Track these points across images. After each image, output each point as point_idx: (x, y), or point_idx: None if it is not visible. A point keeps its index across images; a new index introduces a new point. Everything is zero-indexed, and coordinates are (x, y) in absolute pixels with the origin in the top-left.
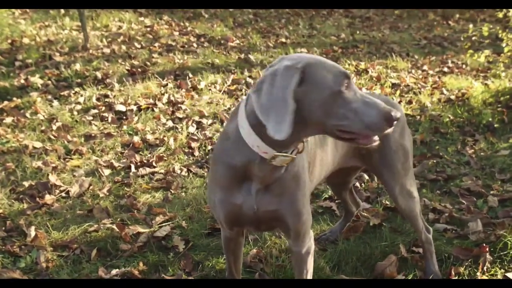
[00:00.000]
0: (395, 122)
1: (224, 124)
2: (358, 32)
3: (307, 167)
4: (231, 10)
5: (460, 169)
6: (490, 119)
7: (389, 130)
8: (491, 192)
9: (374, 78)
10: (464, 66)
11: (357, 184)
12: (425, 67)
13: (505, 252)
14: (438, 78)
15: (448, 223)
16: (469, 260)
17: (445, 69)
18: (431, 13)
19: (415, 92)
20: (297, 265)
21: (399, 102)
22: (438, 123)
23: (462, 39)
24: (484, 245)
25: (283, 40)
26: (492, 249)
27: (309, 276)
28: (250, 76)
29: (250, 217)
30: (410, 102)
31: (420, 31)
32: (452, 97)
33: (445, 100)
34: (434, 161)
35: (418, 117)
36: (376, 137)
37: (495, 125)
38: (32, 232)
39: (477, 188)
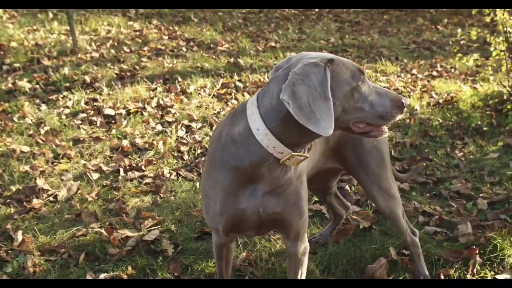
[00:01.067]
0: (405, 109)
1: (220, 129)
2: (347, 36)
3: (306, 165)
4: (220, 14)
5: (449, 172)
6: (479, 122)
7: (401, 116)
8: (481, 194)
9: None
10: (453, 70)
11: (347, 187)
12: (414, 71)
13: (494, 254)
14: (427, 82)
15: (438, 225)
16: (459, 263)
17: (434, 73)
18: (420, 17)
19: (404, 96)
20: (293, 265)
21: None
22: (428, 127)
23: (450, 43)
24: (474, 247)
25: (273, 44)
26: (482, 251)
27: (303, 276)
28: (239, 80)
29: (253, 221)
30: None
31: (409, 36)
32: (441, 100)
33: (434, 104)
34: (424, 164)
35: (408, 120)
36: (386, 129)
37: (484, 128)
38: (19, 236)
39: (466, 191)
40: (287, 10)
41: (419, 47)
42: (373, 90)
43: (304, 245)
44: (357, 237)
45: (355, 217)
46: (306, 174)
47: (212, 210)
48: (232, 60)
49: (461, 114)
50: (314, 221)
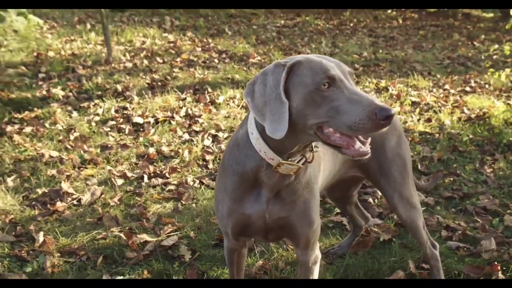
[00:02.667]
0: (383, 122)
1: (233, 132)
2: (381, 51)
3: (317, 176)
4: (254, 27)
5: (477, 187)
6: (511, 139)
7: (377, 130)
8: (508, 211)
9: (394, 96)
10: (487, 85)
11: (370, 199)
12: (446, 86)
13: None
14: (460, 97)
15: (461, 241)
16: (480, 279)
17: (467, 89)
18: (456, 33)
19: (435, 111)
20: (303, 274)
21: (418, 120)
22: (457, 142)
23: (483, 57)
24: (496, 263)
25: None
26: (504, 268)
27: None
28: None
29: (259, 226)
30: (429, 120)
31: (444, 51)
32: (473, 116)
33: (465, 119)
34: (451, 179)
35: (437, 135)
36: (364, 148)
37: None
38: (41, 237)
39: (493, 207)
40: (321, 24)
41: (454, 63)
42: (345, 96)
43: (315, 255)
44: (376, 250)
45: (376, 229)
46: (325, 184)
47: (221, 213)
48: None
49: (492, 129)
50: (334, 232)
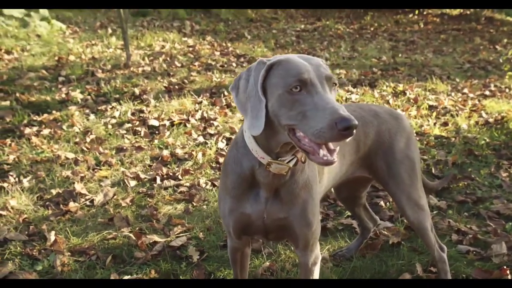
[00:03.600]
0: (343, 132)
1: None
2: (400, 55)
3: (317, 176)
4: (274, 31)
5: (491, 191)
6: None
7: (342, 140)
8: None
9: (411, 100)
10: (507, 90)
11: (382, 203)
12: (465, 90)
13: None
14: (478, 101)
15: (471, 245)
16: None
17: (487, 93)
18: (478, 37)
19: (452, 115)
20: (303, 275)
21: (434, 124)
22: (473, 146)
23: (501, 61)
24: (505, 267)
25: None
26: None
27: None
28: None
29: (259, 226)
30: (445, 124)
31: (464, 55)
32: (491, 120)
33: (482, 123)
34: (465, 183)
35: (453, 139)
36: (329, 158)
37: None
38: (52, 236)
39: (507, 211)
40: (342, 28)
41: (474, 67)
42: (314, 101)
43: (315, 255)
44: (385, 253)
45: (386, 232)
46: (331, 185)
47: (222, 212)
48: None
49: (510, 134)
50: (342, 235)
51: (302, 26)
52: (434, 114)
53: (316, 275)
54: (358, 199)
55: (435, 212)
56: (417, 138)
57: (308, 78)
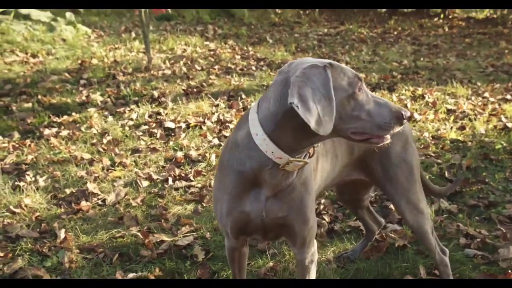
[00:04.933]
0: (405, 121)
1: (231, 133)
2: (422, 59)
3: (312, 172)
4: (296, 35)
5: (505, 196)
6: None
7: (399, 128)
8: None
9: (429, 104)
10: None
11: (391, 206)
12: (486, 94)
13: None
14: (499, 105)
15: (479, 249)
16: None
17: (508, 97)
18: (504, 41)
19: (470, 119)
20: (300, 273)
21: (451, 128)
22: (489, 150)
23: None
24: (510, 271)
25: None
26: None
27: None
28: None
29: (258, 224)
30: (463, 127)
31: (488, 59)
32: (510, 124)
33: (501, 128)
34: (479, 187)
35: (469, 143)
36: (388, 136)
37: None
38: (62, 234)
39: None
40: (365, 32)
41: (497, 71)
42: (371, 99)
43: (312, 253)
44: (390, 255)
45: (393, 235)
46: (323, 185)
47: (220, 212)
48: None
49: None
50: (349, 237)
51: (325, 30)
52: (452, 118)
53: (313, 272)
54: (360, 201)
55: (445, 215)
56: (433, 142)
57: (361, 76)
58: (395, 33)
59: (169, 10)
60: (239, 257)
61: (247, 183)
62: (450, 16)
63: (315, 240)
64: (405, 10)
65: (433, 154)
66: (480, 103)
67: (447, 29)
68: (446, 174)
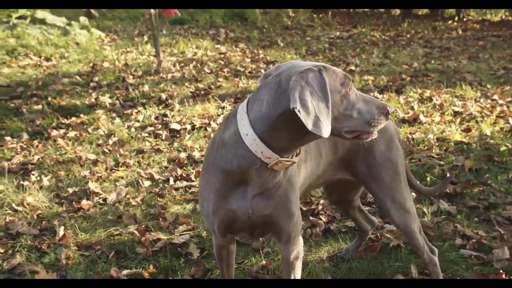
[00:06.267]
0: (390, 116)
1: (217, 133)
2: (433, 61)
3: (297, 168)
4: (308, 39)
5: (506, 198)
6: None
7: (385, 123)
8: None
9: (437, 106)
10: None
11: None
12: (495, 97)
13: None
14: (507, 107)
15: (475, 249)
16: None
17: None
18: None
19: (477, 121)
20: (286, 269)
21: (456, 129)
22: (494, 152)
23: None
24: (501, 271)
25: (352, 68)
26: (511, 277)
27: None
28: None
29: (244, 222)
30: (468, 129)
31: (500, 61)
32: None
33: (507, 130)
34: (480, 188)
35: (474, 145)
36: (375, 131)
37: None
38: (61, 231)
39: None
40: (377, 35)
41: (508, 73)
42: (360, 97)
43: (297, 250)
44: (384, 255)
45: (388, 235)
46: (307, 183)
47: (206, 210)
48: None
49: None
50: (343, 237)
51: (337, 33)
52: (458, 120)
53: (298, 269)
54: (351, 202)
55: (443, 216)
56: (437, 144)
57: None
58: (408, 36)
59: (178, 13)
60: (227, 255)
61: (234, 182)
62: (465, 19)
63: (301, 237)
64: (419, 13)
65: (436, 156)
66: (488, 105)
67: (460, 32)
68: (448, 175)
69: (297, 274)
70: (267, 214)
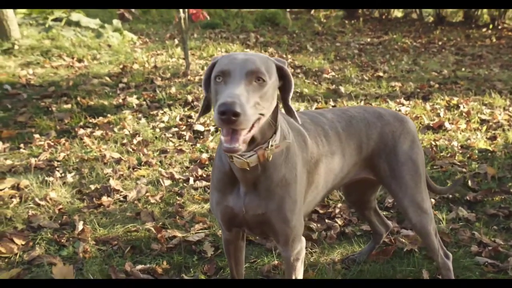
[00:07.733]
0: (222, 117)
1: None
2: (463, 69)
3: (301, 175)
4: (338, 44)
5: None
6: None
7: (225, 126)
8: None
9: (463, 114)
10: None
11: None
12: None
13: None
14: None
15: (491, 257)
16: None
17: None
18: None
19: (504, 129)
20: (287, 270)
21: (481, 137)
22: None
23: None
24: None
25: (380, 74)
26: None
27: None
28: (334, 106)
29: (241, 219)
30: (494, 137)
31: None
32: None
33: None
34: (502, 197)
35: (499, 153)
36: (227, 145)
37: None
38: (80, 226)
39: None
40: (408, 42)
41: None
42: (223, 90)
43: (297, 251)
44: (396, 259)
45: (403, 240)
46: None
47: (211, 205)
48: (333, 87)
49: None
50: (357, 240)
51: (368, 40)
52: (485, 128)
53: (299, 270)
54: (367, 203)
55: (461, 223)
56: (460, 151)
57: (227, 70)
58: (440, 43)
59: (208, 16)
60: (235, 251)
61: (228, 178)
62: (500, 27)
63: (303, 238)
64: (453, 20)
65: (458, 163)
66: None
67: (494, 40)
68: (470, 183)
69: (298, 275)
70: (260, 213)
